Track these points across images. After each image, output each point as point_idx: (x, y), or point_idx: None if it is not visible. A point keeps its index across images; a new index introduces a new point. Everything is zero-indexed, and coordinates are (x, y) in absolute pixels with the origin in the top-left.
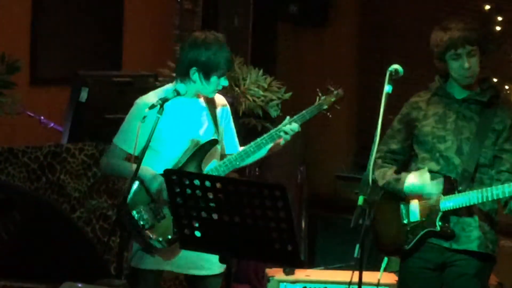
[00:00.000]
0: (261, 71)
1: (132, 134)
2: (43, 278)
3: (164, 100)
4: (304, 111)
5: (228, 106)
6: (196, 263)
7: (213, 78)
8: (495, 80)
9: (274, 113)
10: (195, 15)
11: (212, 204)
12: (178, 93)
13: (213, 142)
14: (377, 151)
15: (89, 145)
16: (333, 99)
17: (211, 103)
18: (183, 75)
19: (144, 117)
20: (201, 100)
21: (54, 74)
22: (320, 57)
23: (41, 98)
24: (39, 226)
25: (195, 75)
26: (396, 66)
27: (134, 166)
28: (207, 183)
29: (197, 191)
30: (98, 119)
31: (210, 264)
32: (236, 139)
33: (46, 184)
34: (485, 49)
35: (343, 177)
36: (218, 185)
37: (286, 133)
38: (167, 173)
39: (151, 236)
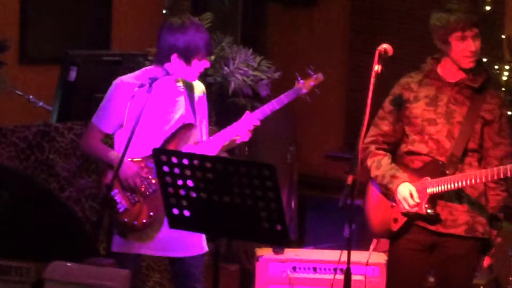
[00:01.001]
0: (250, 51)
1: (111, 114)
2: (32, 257)
3: (153, 80)
4: (282, 96)
5: (205, 93)
6: (174, 245)
7: (194, 62)
8: (484, 60)
9: (263, 92)
10: None
11: (201, 184)
12: (167, 73)
13: (190, 126)
14: (369, 135)
15: (78, 124)
16: (312, 84)
17: (189, 89)
18: (164, 60)
19: (133, 96)
20: (180, 84)
21: (43, 53)
22: (310, 37)
23: (30, 77)
24: (27, 205)
25: (176, 60)
26: (385, 46)
27: (111, 152)
28: (196, 162)
29: (186, 171)
30: (87, 98)
31: (188, 246)
32: (207, 127)
33: (35, 164)
34: (483, 30)
35: (333, 157)
36: (207, 164)
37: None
38: (156, 152)
39: (125, 219)
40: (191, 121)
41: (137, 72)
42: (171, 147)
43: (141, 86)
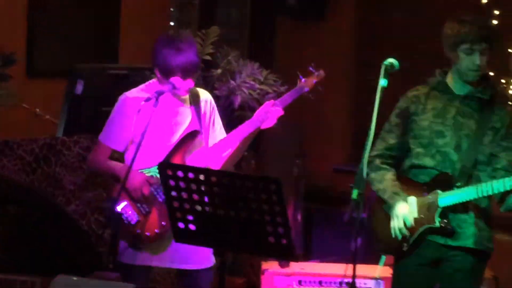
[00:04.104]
0: (257, 64)
1: (117, 130)
2: (38, 271)
3: (159, 93)
4: (286, 95)
5: (211, 99)
6: (185, 257)
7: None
8: (491, 74)
9: None
10: (192, 8)
11: (206, 198)
12: (174, 86)
13: (195, 134)
14: (375, 149)
15: (84, 138)
16: (314, 81)
17: (195, 96)
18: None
19: (139, 110)
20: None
21: (50, 67)
22: (317, 51)
23: (37, 90)
24: (34, 219)
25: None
26: (391, 60)
27: (116, 163)
28: (202, 176)
29: (192, 185)
30: (94, 112)
31: (200, 258)
32: (222, 130)
33: (41, 177)
34: (494, 47)
35: (340, 170)
36: (212, 178)
37: (268, 117)
38: (161, 166)
39: (138, 231)
40: (196, 128)
41: (141, 86)
42: (177, 156)
43: (148, 100)
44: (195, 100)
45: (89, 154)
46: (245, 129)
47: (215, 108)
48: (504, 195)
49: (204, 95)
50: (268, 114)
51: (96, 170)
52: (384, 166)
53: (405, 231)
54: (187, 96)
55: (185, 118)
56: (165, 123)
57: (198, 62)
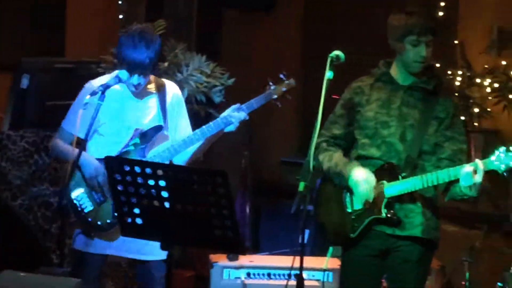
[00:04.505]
0: (204, 57)
1: (76, 116)
2: None
3: (105, 87)
4: (252, 100)
5: (179, 93)
6: (139, 247)
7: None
8: (437, 65)
9: (217, 99)
10: (140, 1)
11: (153, 191)
12: (119, 80)
13: (157, 129)
14: (320, 136)
15: (30, 132)
16: (284, 89)
17: (161, 90)
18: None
19: (86, 104)
20: (151, 86)
21: None
22: (265, 43)
23: None
24: None
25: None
26: (337, 52)
27: (76, 150)
28: (148, 170)
29: (138, 178)
30: (40, 106)
31: (154, 249)
32: (188, 126)
33: None
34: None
35: (288, 162)
36: (159, 172)
37: (232, 121)
38: (107, 160)
39: (90, 219)
40: (159, 123)
41: (107, 76)
42: (139, 151)
43: (93, 93)
44: (161, 93)
45: (52, 139)
46: (209, 130)
47: (183, 102)
48: (448, 184)
49: (172, 88)
50: (232, 119)
51: (56, 156)
52: (331, 147)
53: (372, 194)
54: (153, 88)
55: (150, 111)
56: (128, 114)
57: (145, 65)
